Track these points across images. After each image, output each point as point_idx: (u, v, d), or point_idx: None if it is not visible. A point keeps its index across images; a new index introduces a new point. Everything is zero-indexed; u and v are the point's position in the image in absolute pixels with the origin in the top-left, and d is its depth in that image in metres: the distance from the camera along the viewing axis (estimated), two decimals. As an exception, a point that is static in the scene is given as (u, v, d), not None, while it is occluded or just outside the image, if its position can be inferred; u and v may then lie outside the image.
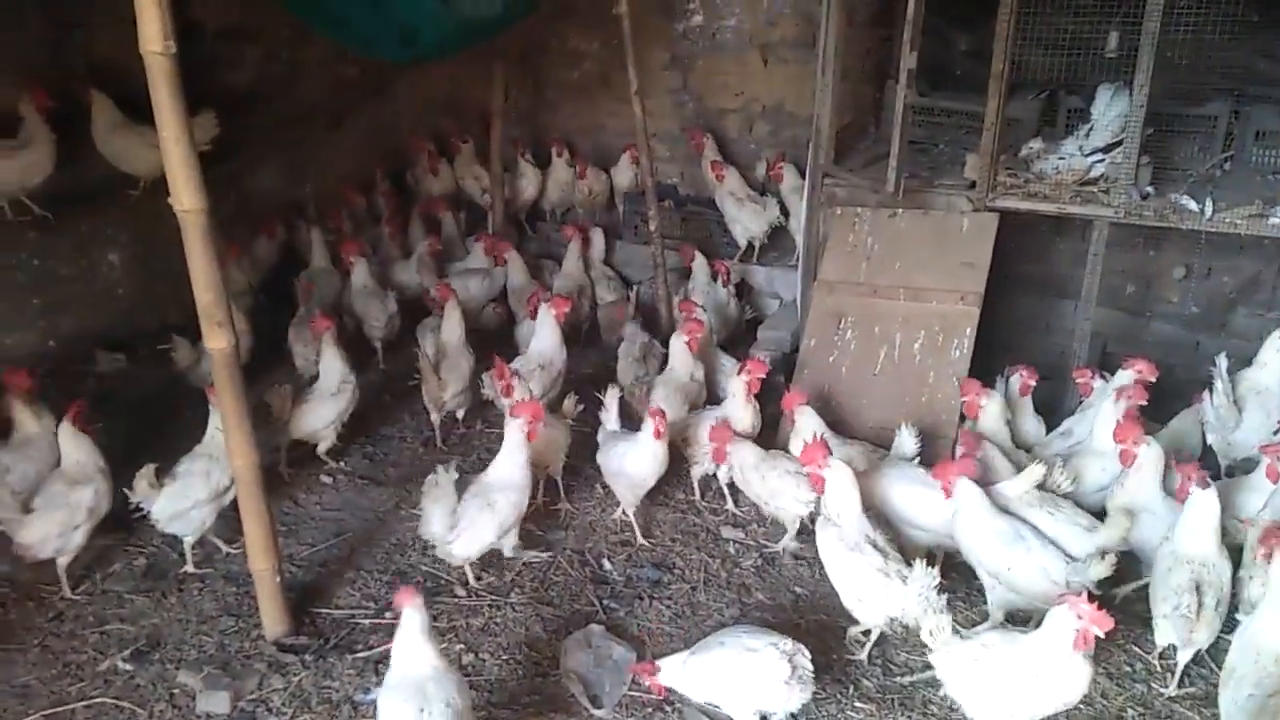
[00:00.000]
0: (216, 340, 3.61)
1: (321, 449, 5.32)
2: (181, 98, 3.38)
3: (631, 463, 4.64)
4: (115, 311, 6.32)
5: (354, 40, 5.36)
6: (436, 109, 8.52)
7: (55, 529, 4.14)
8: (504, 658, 3.96)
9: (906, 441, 4.51)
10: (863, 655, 3.98)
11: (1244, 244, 6.07)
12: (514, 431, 4.39)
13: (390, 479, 5.28)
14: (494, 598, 4.32)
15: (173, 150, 3.43)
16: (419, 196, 8.05)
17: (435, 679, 3.15)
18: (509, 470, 4.36)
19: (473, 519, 4.19)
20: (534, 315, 5.69)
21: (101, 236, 6.28)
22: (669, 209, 7.45)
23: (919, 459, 4.49)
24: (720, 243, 7.29)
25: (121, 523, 4.59)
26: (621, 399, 5.08)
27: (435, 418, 5.56)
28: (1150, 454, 4.07)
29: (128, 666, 3.87)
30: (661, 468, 4.65)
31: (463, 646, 3.99)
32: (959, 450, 4.24)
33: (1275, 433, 4.48)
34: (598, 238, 7.21)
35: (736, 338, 6.51)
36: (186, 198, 3.46)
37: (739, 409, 4.83)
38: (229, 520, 4.34)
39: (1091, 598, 3.19)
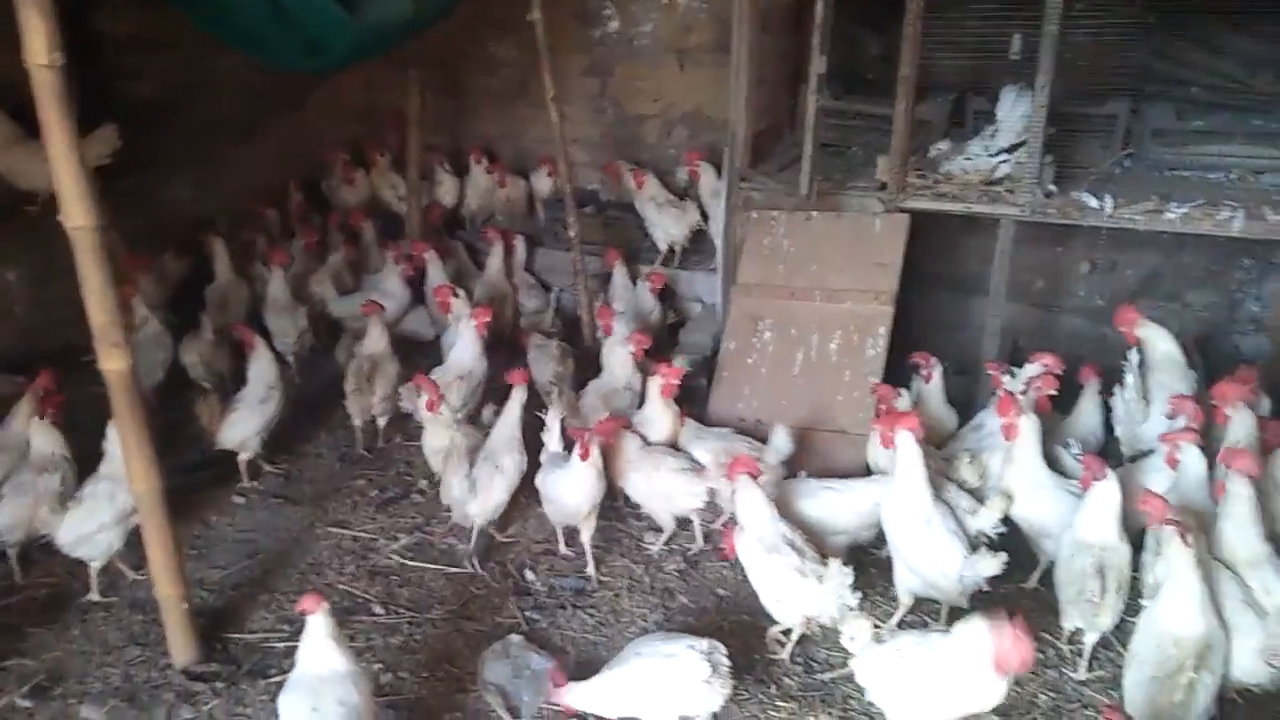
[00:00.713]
0: (113, 362, 3.49)
1: (244, 458, 5.21)
2: (71, 112, 3.25)
3: (566, 490, 4.45)
4: (13, 332, 6.10)
5: (259, 51, 5.24)
6: (352, 118, 8.39)
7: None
8: (424, 675, 3.89)
9: (782, 441, 4.58)
10: (785, 654, 4.01)
11: (1145, 238, 6.27)
12: (513, 402, 4.72)
13: (306, 497, 5.17)
14: (413, 614, 4.24)
15: (61, 166, 3.29)
16: (335, 207, 7.93)
17: (331, 679, 3.14)
18: (508, 435, 4.68)
19: (486, 482, 4.52)
20: (445, 309, 5.84)
21: (-2, 255, 6.07)
22: (590, 215, 7.43)
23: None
24: (642, 247, 7.30)
25: (20, 553, 4.42)
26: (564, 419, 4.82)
27: (358, 421, 5.50)
28: (1029, 424, 4.20)
29: (27, 703, 3.71)
30: (597, 492, 4.43)
31: (381, 665, 3.92)
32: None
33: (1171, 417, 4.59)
34: (519, 245, 7.17)
35: (659, 342, 6.52)
36: (77, 214, 3.33)
37: (657, 414, 4.84)
38: (136, 545, 4.19)
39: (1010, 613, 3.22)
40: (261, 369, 5.23)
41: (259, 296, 6.61)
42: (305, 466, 5.46)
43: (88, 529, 4.17)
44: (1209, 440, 4.24)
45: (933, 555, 3.84)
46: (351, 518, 5.00)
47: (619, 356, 5.39)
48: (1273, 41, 5.93)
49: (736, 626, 4.16)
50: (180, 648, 3.89)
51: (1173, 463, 4.08)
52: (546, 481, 4.57)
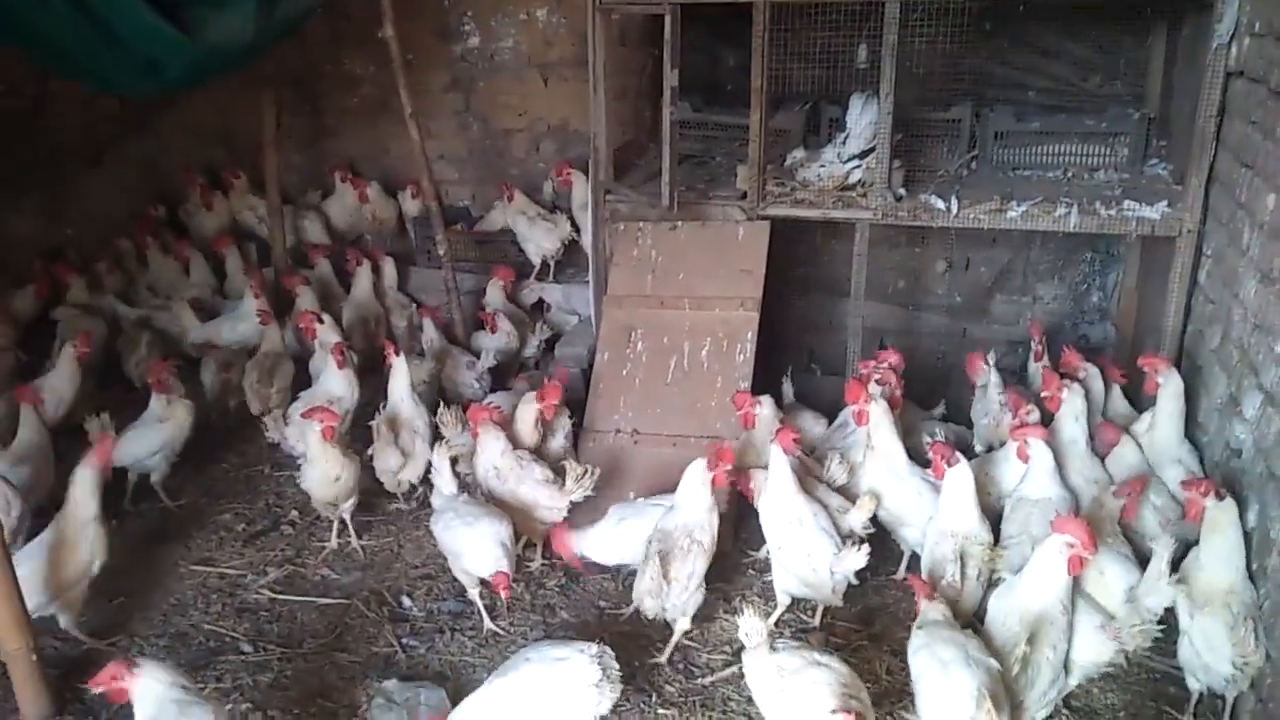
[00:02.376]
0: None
1: (155, 479, 5.07)
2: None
3: (473, 541, 4.17)
4: None
5: (89, 77, 4.98)
6: (208, 140, 8.10)
7: None
8: (295, 712, 3.77)
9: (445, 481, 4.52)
10: (664, 659, 4.04)
11: (996, 237, 6.61)
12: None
13: (169, 534, 4.96)
14: (284, 650, 4.12)
15: None
16: (192, 233, 7.65)
17: None
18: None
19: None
20: (310, 335, 5.81)
21: None
22: (461, 231, 7.36)
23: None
24: (516, 262, 7.26)
25: None
26: (454, 459, 4.59)
27: (256, 409, 5.58)
28: (878, 409, 4.38)
29: None
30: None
31: (249, 705, 3.78)
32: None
33: (1007, 410, 4.82)
34: (388, 265, 7.04)
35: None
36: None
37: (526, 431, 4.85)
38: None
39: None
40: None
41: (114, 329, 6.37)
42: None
43: None
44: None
45: (805, 553, 3.95)
46: (217, 554, 4.83)
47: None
48: (1101, 46, 6.33)
49: (618, 638, 4.15)
50: (30, 703, 3.68)
51: (1023, 456, 4.28)
52: (449, 531, 4.25)
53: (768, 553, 4.39)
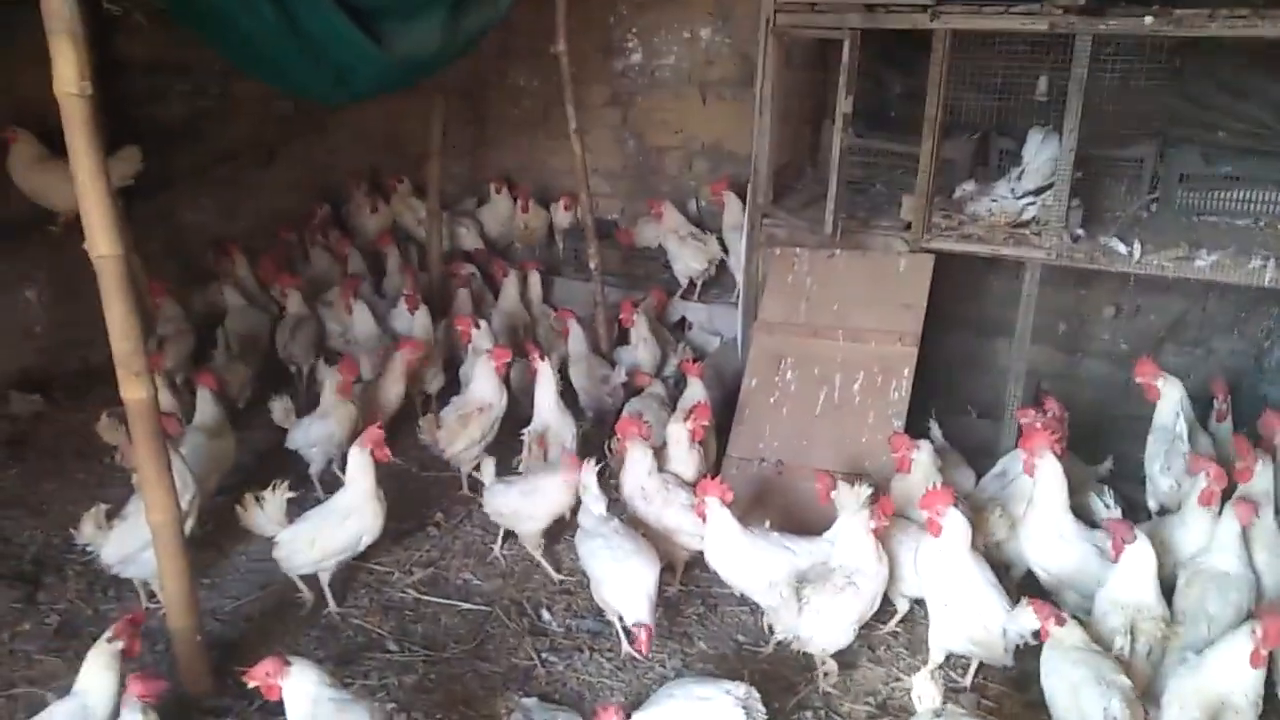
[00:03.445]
0: (134, 391, 3.46)
1: (313, 470, 5.31)
2: (98, 140, 3.25)
3: (623, 570, 4.09)
4: (32, 351, 6.09)
5: (284, 82, 5.24)
6: (375, 144, 8.40)
7: None
8: (439, 717, 3.81)
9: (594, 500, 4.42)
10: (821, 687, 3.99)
11: (1171, 284, 6.22)
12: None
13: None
14: (428, 653, 4.18)
15: (88, 194, 3.28)
16: (355, 232, 7.93)
17: None
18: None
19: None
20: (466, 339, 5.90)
21: (18, 273, 6.07)
22: (616, 243, 7.41)
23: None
24: (661, 279, 7.27)
25: (29, 578, 4.38)
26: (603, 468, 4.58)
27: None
28: (1049, 463, 4.15)
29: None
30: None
31: (395, 706, 3.84)
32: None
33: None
34: (534, 276, 7.13)
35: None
36: (103, 243, 3.32)
37: (681, 457, 4.77)
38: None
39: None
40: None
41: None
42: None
43: (133, 547, 4.11)
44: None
45: (976, 610, 3.77)
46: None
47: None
48: (1300, 86, 5.90)
49: (757, 676, 4.05)
50: (193, 680, 3.83)
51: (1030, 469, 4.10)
52: (596, 558, 4.18)
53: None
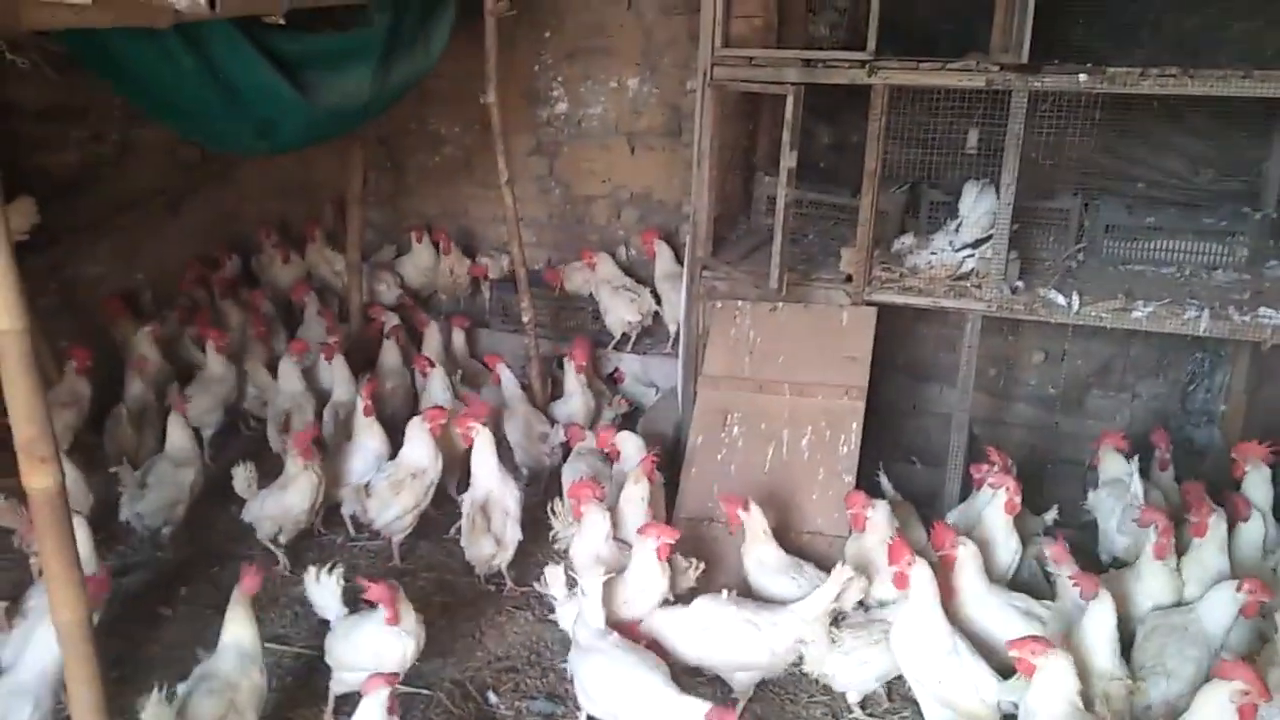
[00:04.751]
0: (39, 479, 3.08)
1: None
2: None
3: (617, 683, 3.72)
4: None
5: (203, 133, 4.92)
6: (286, 193, 8.04)
7: None
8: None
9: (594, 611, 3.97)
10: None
11: (1097, 330, 6.36)
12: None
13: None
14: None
15: (-15, 265, 2.94)
16: (266, 284, 7.55)
17: None
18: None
19: None
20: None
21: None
22: (549, 293, 7.20)
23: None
24: (592, 330, 7.10)
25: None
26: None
27: None
28: (877, 515, 4.37)
29: None
30: None
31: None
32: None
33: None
34: (456, 331, 6.87)
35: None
36: (3, 318, 2.97)
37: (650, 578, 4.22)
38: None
39: None
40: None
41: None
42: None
43: None
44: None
45: (972, 685, 3.64)
46: (292, 631, 4.59)
47: (416, 432, 5.07)
48: (1213, 140, 6.12)
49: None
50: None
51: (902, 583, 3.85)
52: (596, 680, 3.77)
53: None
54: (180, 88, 4.04)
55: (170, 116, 4.73)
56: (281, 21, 3.93)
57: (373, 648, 3.83)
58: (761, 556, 4.44)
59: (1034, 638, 3.47)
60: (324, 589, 4.10)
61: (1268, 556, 4.44)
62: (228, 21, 3.90)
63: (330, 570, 4.09)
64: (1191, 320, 4.86)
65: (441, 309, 7.53)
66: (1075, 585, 3.86)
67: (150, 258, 7.27)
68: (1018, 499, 4.48)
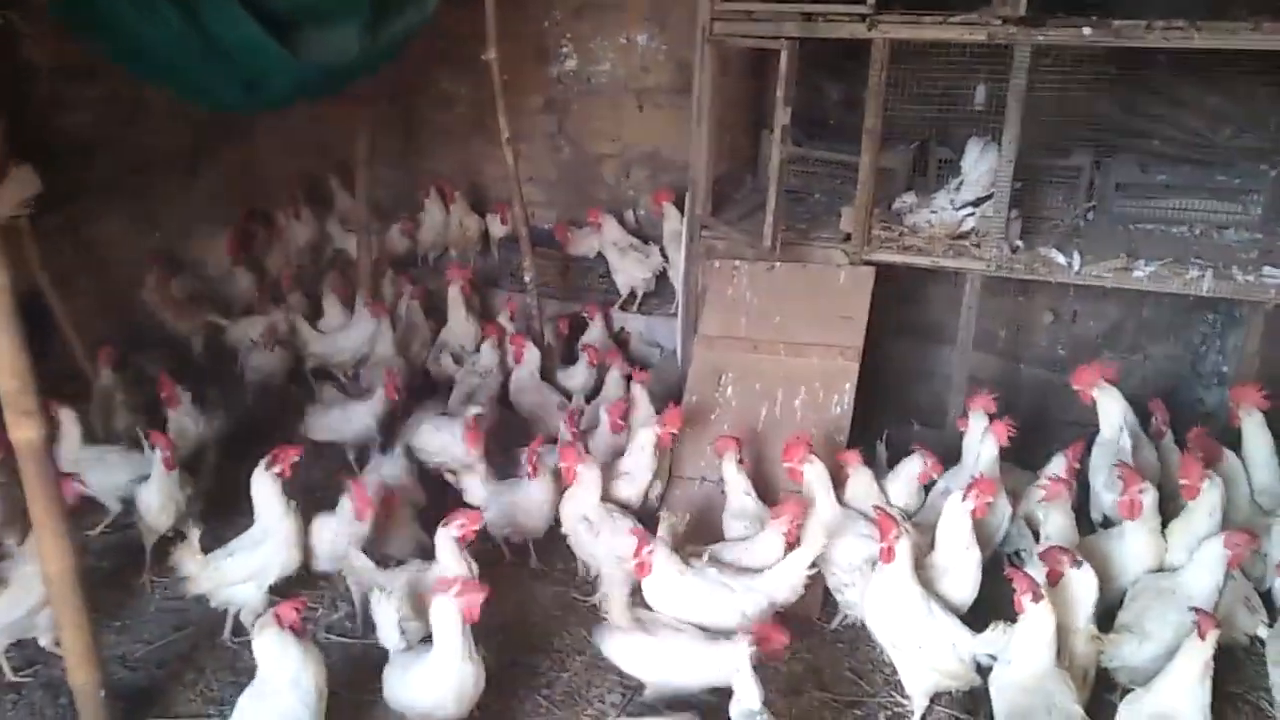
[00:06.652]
0: (24, 431, 3.20)
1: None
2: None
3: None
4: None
5: (191, 91, 4.93)
6: (304, 151, 8.10)
7: None
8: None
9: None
10: None
11: (1108, 291, 6.23)
12: None
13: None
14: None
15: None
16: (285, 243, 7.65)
17: None
18: None
19: None
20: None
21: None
22: (552, 254, 7.22)
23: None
24: (601, 289, 7.11)
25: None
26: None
27: None
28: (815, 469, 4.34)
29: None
30: None
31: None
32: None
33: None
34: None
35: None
36: (-16, 275, 3.06)
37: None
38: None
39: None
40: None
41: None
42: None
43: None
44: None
45: (950, 643, 3.64)
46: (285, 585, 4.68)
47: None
48: (1235, 97, 5.93)
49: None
50: (95, 736, 3.58)
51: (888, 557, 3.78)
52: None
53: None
54: (166, 45, 4.07)
55: (160, 76, 4.77)
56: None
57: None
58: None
59: (1030, 579, 3.45)
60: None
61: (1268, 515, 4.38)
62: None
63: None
64: (1194, 280, 4.76)
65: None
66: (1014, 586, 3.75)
67: (170, 219, 7.38)
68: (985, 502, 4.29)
